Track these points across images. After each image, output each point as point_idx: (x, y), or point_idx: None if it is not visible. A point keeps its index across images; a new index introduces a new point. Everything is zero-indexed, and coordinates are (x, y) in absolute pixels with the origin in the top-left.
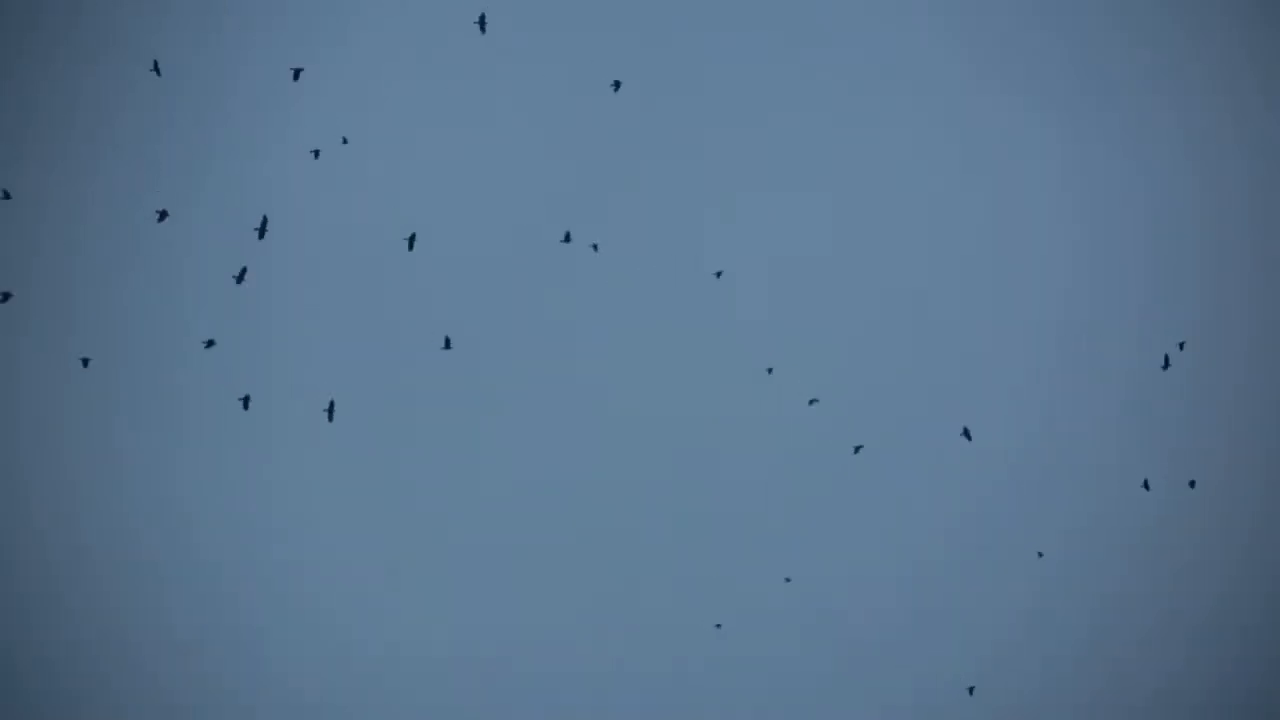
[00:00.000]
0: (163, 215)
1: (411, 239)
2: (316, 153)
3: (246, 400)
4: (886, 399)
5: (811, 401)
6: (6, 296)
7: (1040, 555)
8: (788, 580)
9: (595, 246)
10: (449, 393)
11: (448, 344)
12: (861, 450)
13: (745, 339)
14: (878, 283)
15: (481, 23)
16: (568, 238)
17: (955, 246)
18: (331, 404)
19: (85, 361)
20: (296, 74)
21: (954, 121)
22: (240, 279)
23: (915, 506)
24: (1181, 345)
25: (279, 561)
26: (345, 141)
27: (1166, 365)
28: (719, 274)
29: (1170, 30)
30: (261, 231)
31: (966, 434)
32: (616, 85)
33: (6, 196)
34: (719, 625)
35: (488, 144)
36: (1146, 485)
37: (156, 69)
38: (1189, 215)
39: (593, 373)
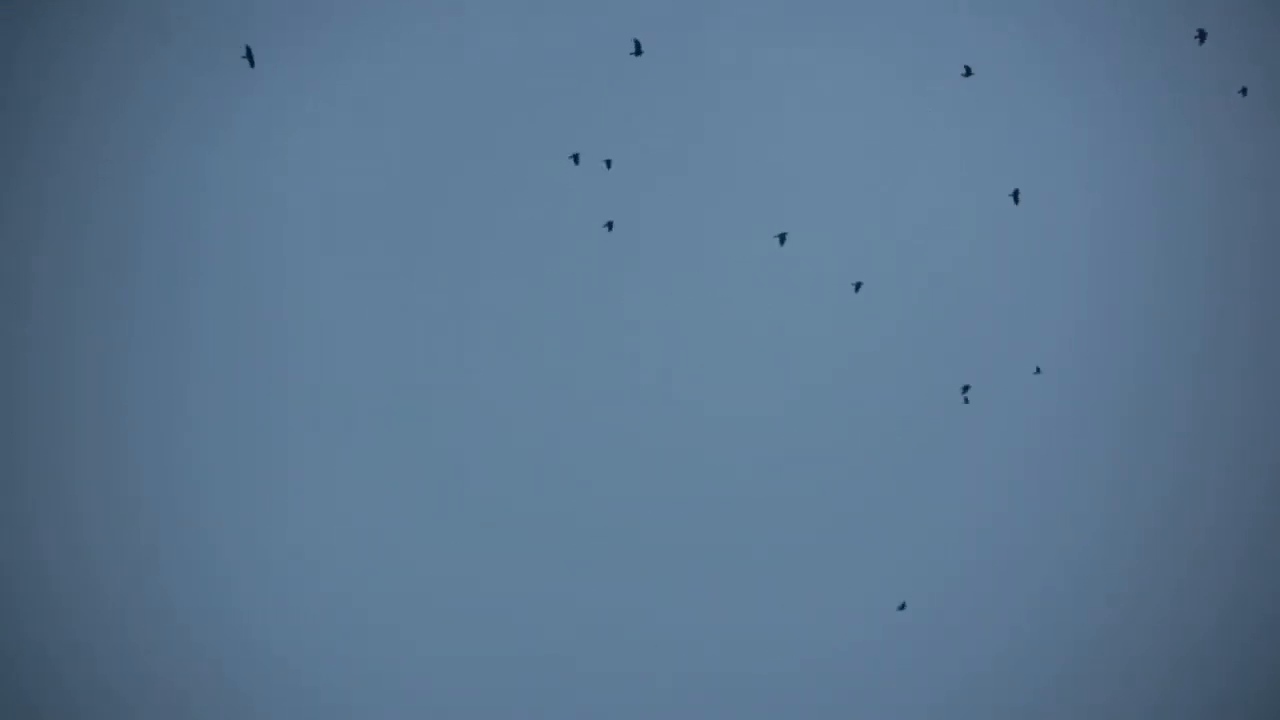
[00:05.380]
0: (249, 55)
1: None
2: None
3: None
4: (899, 392)
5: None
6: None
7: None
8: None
9: (608, 163)
10: (461, 386)
11: (576, 160)
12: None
13: (753, 335)
14: (891, 272)
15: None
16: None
17: (971, 240)
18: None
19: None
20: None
21: (981, 116)
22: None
23: (928, 508)
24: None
25: (288, 555)
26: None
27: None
28: (782, 237)
29: (1183, 33)
30: (250, 59)
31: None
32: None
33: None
34: (901, 607)
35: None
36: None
37: (249, 57)
38: (1198, 210)
39: (615, 365)
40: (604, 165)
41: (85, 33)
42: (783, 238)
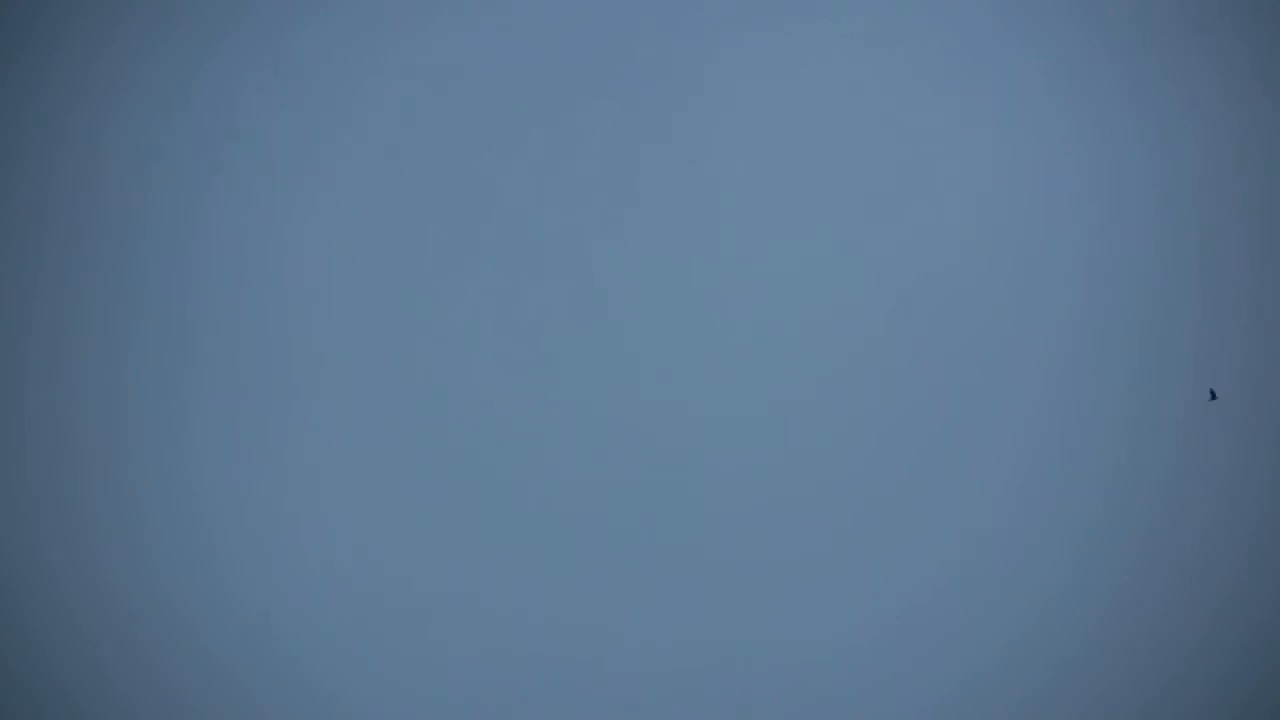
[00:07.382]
0: None
1: None
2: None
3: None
4: (898, 394)
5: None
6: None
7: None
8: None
9: None
10: (463, 383)
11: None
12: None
13: (751, 334)
14: (889, 276)
15: None
16: None
17: (969, 238)
18: None
19: None
20: None
21: (978, 113)
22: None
23: (930, 505)
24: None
25: (289, 553)
26: None
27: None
28: None
29: (1184, 33)
30: None
31: (1213, 394)
32: None
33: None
34: (1213, 395)
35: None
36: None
37: None
38: (1194, 207)
39: (616, 366)
40: None
41: (88, 31)
42: None
